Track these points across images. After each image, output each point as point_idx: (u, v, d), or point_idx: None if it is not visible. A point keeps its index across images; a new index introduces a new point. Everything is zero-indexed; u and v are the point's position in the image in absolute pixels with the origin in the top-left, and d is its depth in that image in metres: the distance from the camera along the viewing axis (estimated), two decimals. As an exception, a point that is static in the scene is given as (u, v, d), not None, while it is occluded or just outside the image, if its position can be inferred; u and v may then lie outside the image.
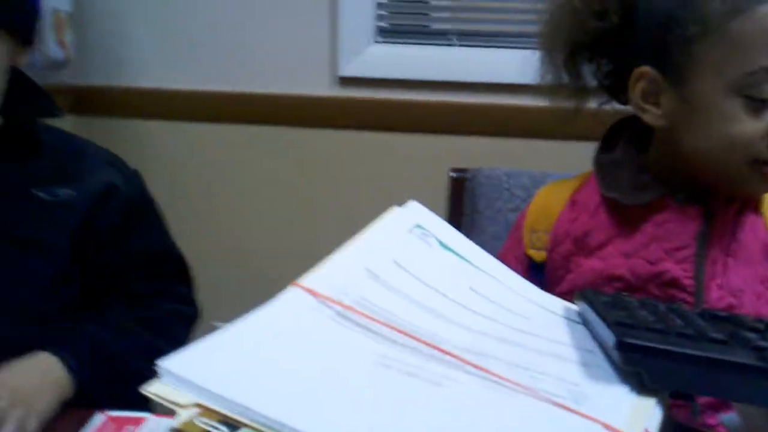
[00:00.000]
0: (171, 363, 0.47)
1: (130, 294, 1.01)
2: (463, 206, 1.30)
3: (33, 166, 0.96)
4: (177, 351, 0.95)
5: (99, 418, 0.63)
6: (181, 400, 0.45)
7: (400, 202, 0.69)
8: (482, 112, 1.73)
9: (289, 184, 1.81)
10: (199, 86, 1.79)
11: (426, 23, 1.79)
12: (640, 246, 0.83)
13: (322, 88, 1.76)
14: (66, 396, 0.84)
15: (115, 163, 1.05)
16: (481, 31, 1.75)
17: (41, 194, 0.95)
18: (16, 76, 0.96)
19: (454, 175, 1.32)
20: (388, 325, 0.55)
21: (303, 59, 1.76)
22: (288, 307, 0.55)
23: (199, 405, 0.45)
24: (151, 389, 0.46)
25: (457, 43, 1.75)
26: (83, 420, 0.62)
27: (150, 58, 1.81)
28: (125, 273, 1.01)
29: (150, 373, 0.95)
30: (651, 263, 0.82)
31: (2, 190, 0.93)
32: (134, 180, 1.05)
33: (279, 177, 1.81)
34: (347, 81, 1.75)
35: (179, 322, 1.03)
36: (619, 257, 0.84)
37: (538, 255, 0.91)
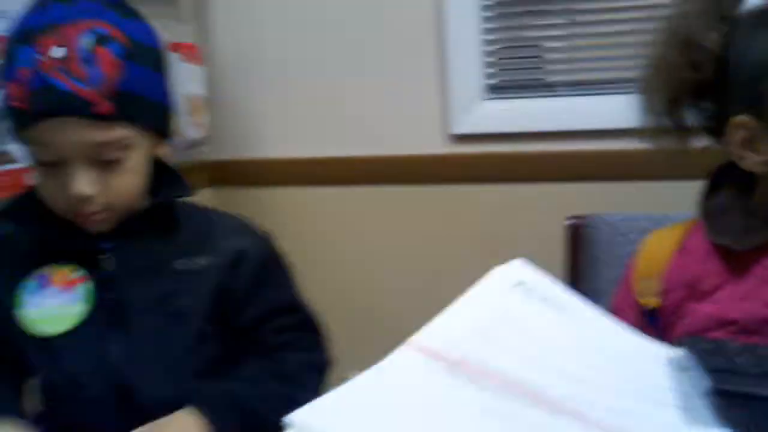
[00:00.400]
0: (296, 416, 0.53)
1: (263, 347, 1.07)
2: (580, 253, 1.31)
3: (173, 241, 1.05)
4: (308, 401, 1.03)
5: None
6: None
7: (519, 253, 0.73)
8: (595, 159, 1.74)
9: (408, 242, 1.87)
10: (320, 153, 1.90)
11: (538, 76, 1.82)
12: (753, 289, 0.83)
13: (435, 146, 1.83)
14: None
15: (244, 229, 1.13)
16: (589, 80, 1.77)
17: (181, 265, 1.04)
18: (157, 162, 1.06)
19: (570, 222, 1.33)
20: (494, 377, 0.59)
21: (415, 120, 1.83)
22: (400, 363, 0.60)
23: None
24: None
25: (567, 92, 1.78)
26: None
27: (276, 130, 1.93)
28: (257, 328, 1.08)
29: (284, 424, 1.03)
30: (766, 305, 0.82)
31: (149, 264, 1.03)
32: (262, 242, 1.12)
33: (398, 234, 1.88)
34: (459, 138, 1.81)
35: (311, 372, 1.08)
36: (732, 301, 0.84)
37: (651, 302, 0.92)
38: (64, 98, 0.90)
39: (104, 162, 0.95)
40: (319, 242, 1.93)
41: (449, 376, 0.59)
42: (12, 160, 1.20)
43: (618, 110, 1.51)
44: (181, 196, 1.08)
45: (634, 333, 0.69)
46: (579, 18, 1.76)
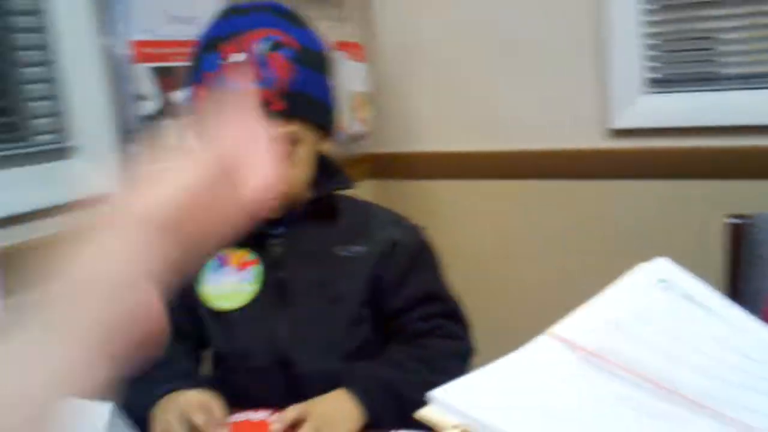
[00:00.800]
0: (439, 392, 0.57)
1: (410, 333, 1.14)
2: (742, 252, 1.27)
3: (334, 230, 1.14)
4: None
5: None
6: (448, 423, 0.56)
7: (676, 250, 0.73)
8: (759, 155, 1.67)
9: (561, 236, 1.87)
10: (478, 147, 1.94)
11: (707, 69, 1.76)
12: None
13: (593, 140, 1.81)
14: (359, 426, 1.00)
15: (398, 221, 1.20)
16: (760, 73, 1.69)
17: (342, 252, 1.13)
18: (322, 157, 1.15)
19: (732, 221, 1.29)
20: (631, 371, 0.61)
21: (574, 114, 1.82)
22: (539, 351, 0.63)
23: (460, 427, 0.55)
24: (423, 413, 0.57)
25: (739, 86, 1.70)
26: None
27: (435, 125, 1.99)
28: (405, 314, 1.14)
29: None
30: None
31: (313, 250, 1.13)
32: (414, 234, 1.19)
33: (552, 229, 1.88)
34: (619, 132, 1.78)
35: (455, 360, 1.14)
36: None
37: None
38: None
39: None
40: (473, 234, 1.97)
41: (586, 366, 0.61)
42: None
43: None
44: (342, 189, 1.16)
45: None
46: (760, 8, 1.68)
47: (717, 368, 0.62)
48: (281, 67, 1.02)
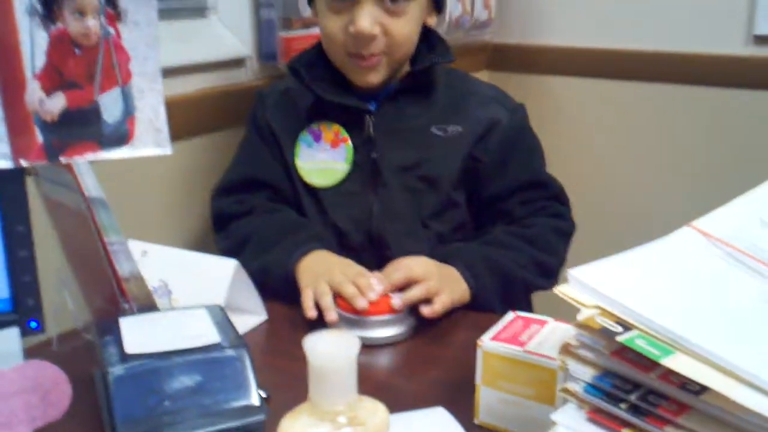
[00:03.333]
0: (578, 272, 0.57)
1: (511, 217, 1.13)
2: None
3: (431, 107, 1.12)
4: (557, 265, 1.04)
5: (510, 316, 0.77)
6: (586, 302, 0.56)
7: None
8: None
9: (698, 144, 1.80)
10: (609, 44, 1.85)
11: None
12: None
13: (736, 46, 1.71)
14: (466, 302, 1.00)
15: (500, 98, 1.17)
16: None
17: (437, 131, 1.11)
18: (427, 32, 1.13)
19: None
20: (775, 269, 0.59)
21: (717, 17, 1.72)
22: (682, 242, 0.62)
23: (599, 307, 0.55)
24: (562, 290, 0.57)
25: None
26: (494, 320, 0.76)
27: (564, 17, 1.91)
28: (505, 198, 1.13)
29: (536, 282, 1.09)
30: None
31: (407, 128, 1.11)
32: (517, 113, 1.16)
33: (687, 136, 1.81)
34: (763, 39, 1.68)
35: (557, 236, 1.12)
36: None
37: None
38: None
39: (389, 9, 1.03)
40: (596, 137, 1.92)
41: (730, 261, 0.60)
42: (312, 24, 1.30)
43: None
44: (445, 62, 1.13)
45: None
46: None
47: None
48: None
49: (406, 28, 1.05)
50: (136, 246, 0.92)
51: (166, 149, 0.70)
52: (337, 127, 1.11)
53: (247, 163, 1.16)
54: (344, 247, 1.10)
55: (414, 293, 0.94)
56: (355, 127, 1.10)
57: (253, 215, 1.12)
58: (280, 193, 1.15)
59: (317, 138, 1.12)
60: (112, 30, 0.65)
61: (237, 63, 1.30)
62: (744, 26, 1.70)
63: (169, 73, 1.17)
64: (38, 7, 0.63)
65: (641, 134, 1.86)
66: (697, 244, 0.62)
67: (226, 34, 1.27)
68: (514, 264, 1.05)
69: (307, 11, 1.24)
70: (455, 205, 1.13)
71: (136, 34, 0.63)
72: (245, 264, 0.95)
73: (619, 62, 1.85)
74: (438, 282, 0.96)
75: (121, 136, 0.68)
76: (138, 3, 0.62)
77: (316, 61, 1.11)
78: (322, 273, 0.98)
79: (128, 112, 0.67)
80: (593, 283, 0.56)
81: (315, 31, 1.27)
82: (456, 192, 1.13)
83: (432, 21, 1.12)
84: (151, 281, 0.84)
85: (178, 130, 1.19)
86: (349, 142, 1.10)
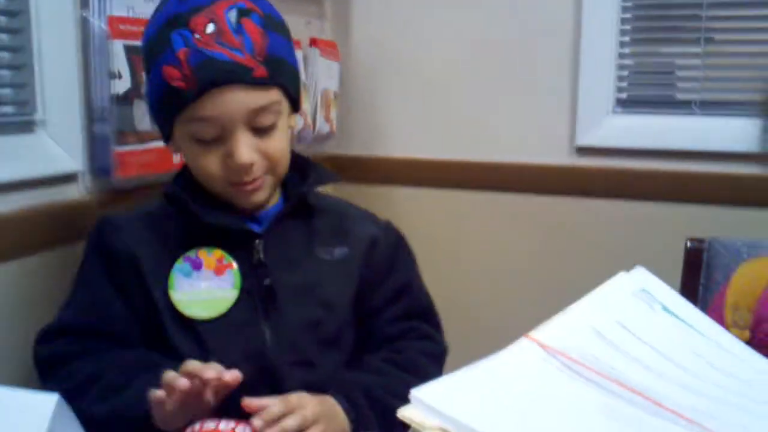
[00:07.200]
0: (420, 392, 0.56)
1: (384, 337, 1.10)
2: (698, 276, 1.30)
3: (314, 230, 1.09)
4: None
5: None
6: (429, 423, 0.55)
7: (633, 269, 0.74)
8: (720, 181, 1.71)
9: (524, 249, 1.88)
10: (445, 155, 1.94)
11: (670, 93, 1.81)
12: None
13: (559, 157, 1.84)
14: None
15: (370, 216, 1.17)
16: (724, 100, 1.74)
17: (325, 255, 1.07)
18: (296, 157, 1.10)
19: (690, 244, 1.32)
20: (611, 379, 0.61)
21: (542, 129, 1.85)
22: (520, 354, 0.63)
23: (441, 429, 0.54)
24: (405, 413, 0.56)
25: (699, 112, 1.75)
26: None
27: (402, 130, 1.99)
28: (380, 314, 1.10)
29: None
30: None
31: (296, 252, 1.06)
32: (389, 228, 1.16)
33: (515, 242, 1.89)
34: (584, 150, 1.82)
35: (431, 361, 1.10)
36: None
37: (741, 335, 0.90)
38: (227, 67, 0.96)
39: (260, 129, 1.00)
40: (435, 245, 1.96)
41: (567, 373, 0.61)
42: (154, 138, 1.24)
43: (750, 133, 1.46)
44: (331, 183, 1.13)
45: (754, 351, 0.69)
46: (716, 37, 1.74)
47: (697, 381, 0.62)
48: (256, 33, 0.98)
49: (280, 143, 1.03)
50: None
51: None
52: (219, 253, 1.02)
53: (86, 306, 1.03)
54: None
55: (288, 423, 0.88)
56: (241, 251, 1.03)
57: (95, 354, 1.00)
58: (126, 341, 1.02)
59: (197, 266, 1.02)
60: None
61: (68, 179, 1.24)
62: (566, 139, 1.83)
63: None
64: None
65: (475, 242, 1.93)
66: (535, 356, 0.63)
67: (55, 149, 1.21)
68: (390, 393, 1.01)
69: (143, 125, 1.21)
70: (349, 329, 1.09)
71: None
72: (88, 408, 0.86)
73: (455, 172, 1.93)
74: (313, 413, 0.91)
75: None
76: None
77: (189, 186, 1.05)
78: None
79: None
80: (436, 403, 0.56)
81: (152, 145, 1.24)
82: (350, 315, 1.09)
83: (294, 122, 1.10)
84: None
85: (2, 252, 1.11)
86: (235, 266, 1.02)
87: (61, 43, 1.19)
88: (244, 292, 1.01)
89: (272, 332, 1.02)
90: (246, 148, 0.99)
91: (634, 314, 0.69)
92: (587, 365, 0.62)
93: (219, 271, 1.02)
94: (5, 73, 1.17)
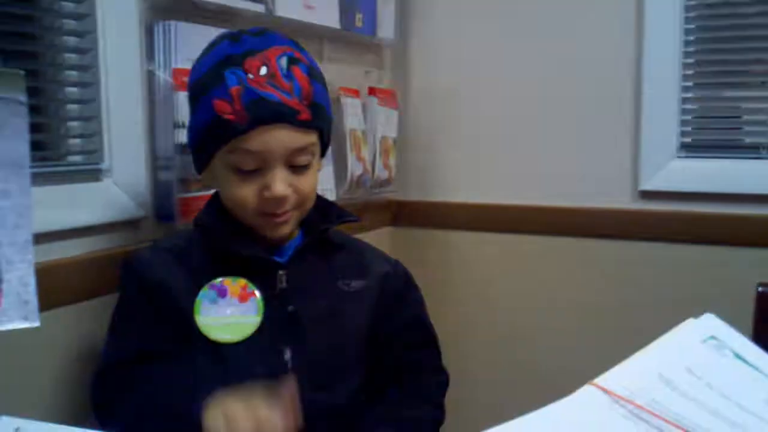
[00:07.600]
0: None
1: (394, 365, 1.19)
2: (772, 322, 1.25)
3: (333, 264, 1.17)
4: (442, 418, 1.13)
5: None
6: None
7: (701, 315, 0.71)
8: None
9: (587, 295, 1.85)
10: (505, 200, 1.93)
11: (735, 137, 1.78)
12: None
13: (623, 201, 1.81)
14: None
15: (380, 253, 1.26)
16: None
17: (343, 287, 1.15)
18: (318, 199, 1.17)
19: (761, 289, 1.28)
20: (679, 427, 0.59)
21: (605, 174, 1.83)
22: (584, 402, 0.61)
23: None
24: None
25: (765, 156, 1.71)
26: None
27: (462, 176, 1.99)
28: (392, 342, 1.19)
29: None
30: None
31: (319, 282, 1.14)
32: (398, 267, 1.25)
33: (577, 287, 1.86)
34: (648, 194, 1.79)
35: (443, 391, 1.21)
36: None
37: None
38: (277, 107, 1.03)
39: (296, 166, 1.07)
40: (493, 288, 1.95)
41: (634, 420, 0.59)
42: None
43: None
44: (351, 222, 1.21)
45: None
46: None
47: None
48: (303, 80, 1.06)
49: (311, 182, 1.11)
50: (8, 423, 0.83)
51: (34, 322, 0.65)
52: (243, 281, 1.09)
53: (129, 334, 1.09)
54: None
55: None
56: (264, 280, 1.09)
57: (146, 381, 1.05)
58: (172, 357, 1.08)
59: (222, 293, 1.08)
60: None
61: (133, 224, 1.27)
62: (630, 183, 1.81)
63: (58, 236, 1.13)
64: None
65: (538, 286, 1.91)
66: (600, 403, 0.61)
67: (122, 197, 1.24)
68: (414, 425, 1.12)
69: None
70: (363, 360, 1.16)
71: (7, 203, 0.60)
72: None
73: (515, 217, 1.92)
74: None
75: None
76: (9, 171, 0.59)
77: (220, 218, 1.12)
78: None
79: (-7, 284, 0.63)
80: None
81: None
82: (364, 344, 1.16)
83: (321, 165, 1.16)
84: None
85: (65, 295, 1.14)
86: (258, 295, 1.08)
87: (128, 95, 1.24)
88: (267, 318, 1.07)
89: (294, 357, 1.08)
90: (282, 183, 1.06)
91: (703, 361, 0.66)
92: (655, 412, 0.60)
93: (243, 298, 1.08)
94: (75, 124, 1.22)
